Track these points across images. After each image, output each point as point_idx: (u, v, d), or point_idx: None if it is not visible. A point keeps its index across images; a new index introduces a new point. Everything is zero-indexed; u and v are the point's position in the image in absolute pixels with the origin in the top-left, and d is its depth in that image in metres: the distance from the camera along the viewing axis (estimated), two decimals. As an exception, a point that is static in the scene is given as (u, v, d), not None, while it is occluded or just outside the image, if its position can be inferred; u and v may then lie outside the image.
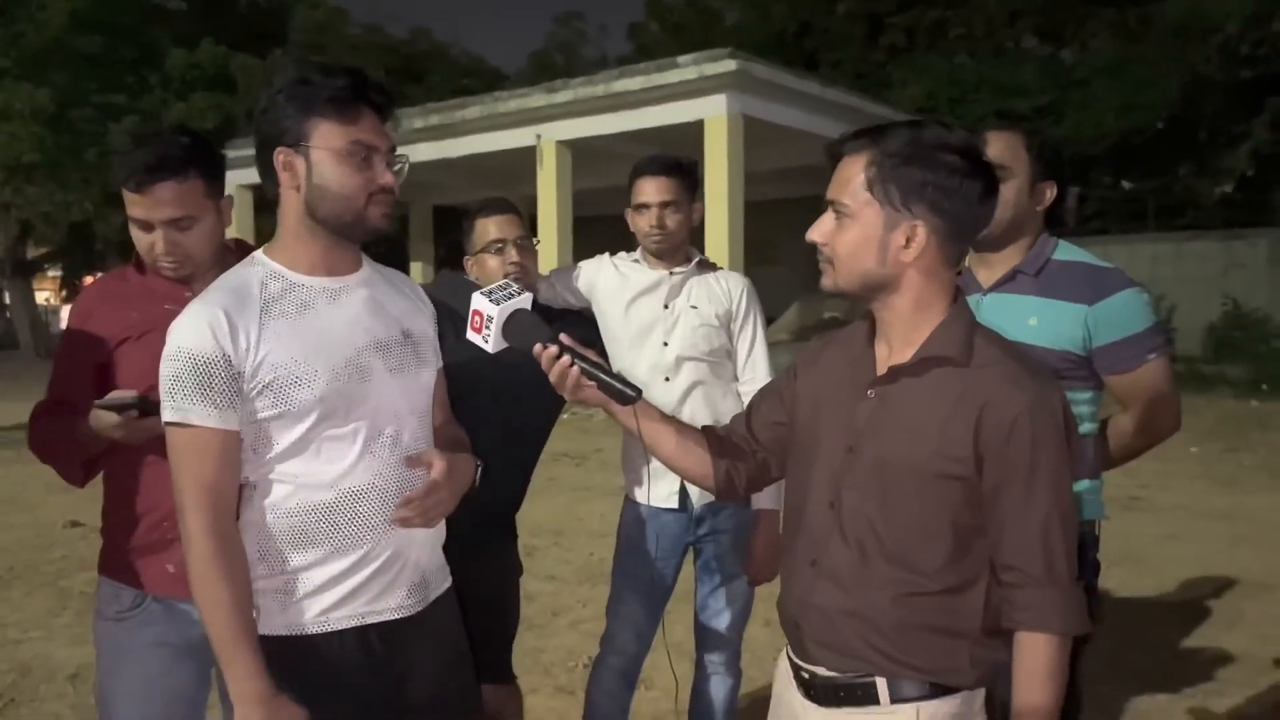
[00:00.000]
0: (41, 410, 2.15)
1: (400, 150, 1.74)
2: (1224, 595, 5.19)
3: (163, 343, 1.97)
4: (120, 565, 2.10)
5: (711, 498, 2.68)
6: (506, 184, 15.34)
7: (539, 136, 14.73)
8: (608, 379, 1.69)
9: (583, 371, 1.69)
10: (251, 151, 1.71)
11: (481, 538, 2.54)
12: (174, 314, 2.00)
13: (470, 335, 1.73)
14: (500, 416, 2.39)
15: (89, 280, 33.74)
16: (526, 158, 14.81)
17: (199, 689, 2.11)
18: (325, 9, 29.17)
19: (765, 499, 2.64)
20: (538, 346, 1.70)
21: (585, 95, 14.02)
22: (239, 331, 1.61)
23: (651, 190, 2.72)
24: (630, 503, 2.83)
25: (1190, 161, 18.68)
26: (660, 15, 32.44)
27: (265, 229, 17.40)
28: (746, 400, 2.73)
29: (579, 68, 29.00)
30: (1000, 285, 2.28)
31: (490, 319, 1.70)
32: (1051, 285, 2.23)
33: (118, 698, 2.08)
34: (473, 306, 1.72)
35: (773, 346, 2.89)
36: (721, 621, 2.83)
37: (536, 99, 14.62)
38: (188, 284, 2.07)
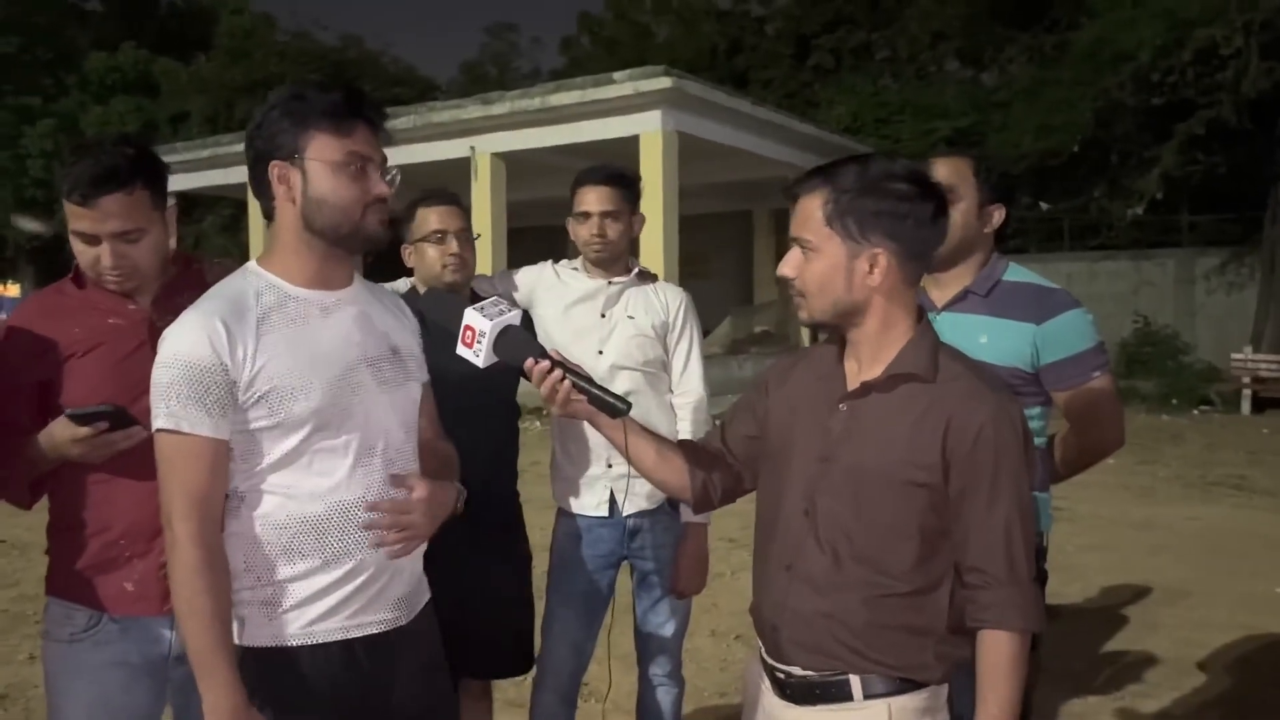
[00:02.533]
0: None
1: None
2: (1145, 601, 5.41)
3: (111, 357, 1.97)
4: (72, 585, 2.02)
5: (642, 508, 2.74)
6: (439, 195, 15.18)
7: (473, 148, 14.64)
8: (599, 393, 1.72)
9: (574, 385, 1.73)
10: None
11: (495, 534, 2.56)
12: (119, 327, 1.99)
13: (461, 350, 1.75)
14: (466, 409, 2.33)
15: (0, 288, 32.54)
16: (460, 169, 14.71)
17: (154, 706, 2.08)
18: (250, 15, 28.67)
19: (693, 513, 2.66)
20: (529, 361, 1.73)
21: (521, 108, 13.99)
22: (237, 341, 1.61)
23: (593, 199, 2.74)
24: (563, 517, 2.84)
25: (1104, 184, 19.34)
26: (592, 29, 32.60)
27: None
28: (680, 413, 2.79)
29: (511, 79, 28.95)
30: (952, 305, 2.37)
31: (482, 334, 1.72)
32: (1001, 305, 2.32)
33: (71, 718, 2.02)
34: (465, 322, 1.73)
35: (707, 359, 2.93)
36: (663, 634, 2.86)
37: (472, 110, 14.53)
38: (131, 297, 2.03)
